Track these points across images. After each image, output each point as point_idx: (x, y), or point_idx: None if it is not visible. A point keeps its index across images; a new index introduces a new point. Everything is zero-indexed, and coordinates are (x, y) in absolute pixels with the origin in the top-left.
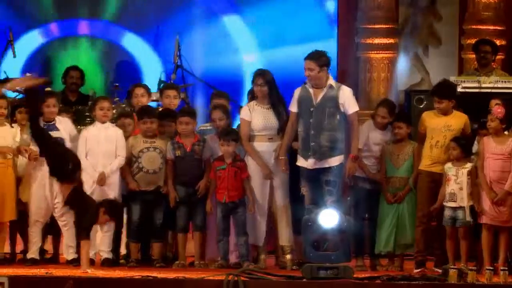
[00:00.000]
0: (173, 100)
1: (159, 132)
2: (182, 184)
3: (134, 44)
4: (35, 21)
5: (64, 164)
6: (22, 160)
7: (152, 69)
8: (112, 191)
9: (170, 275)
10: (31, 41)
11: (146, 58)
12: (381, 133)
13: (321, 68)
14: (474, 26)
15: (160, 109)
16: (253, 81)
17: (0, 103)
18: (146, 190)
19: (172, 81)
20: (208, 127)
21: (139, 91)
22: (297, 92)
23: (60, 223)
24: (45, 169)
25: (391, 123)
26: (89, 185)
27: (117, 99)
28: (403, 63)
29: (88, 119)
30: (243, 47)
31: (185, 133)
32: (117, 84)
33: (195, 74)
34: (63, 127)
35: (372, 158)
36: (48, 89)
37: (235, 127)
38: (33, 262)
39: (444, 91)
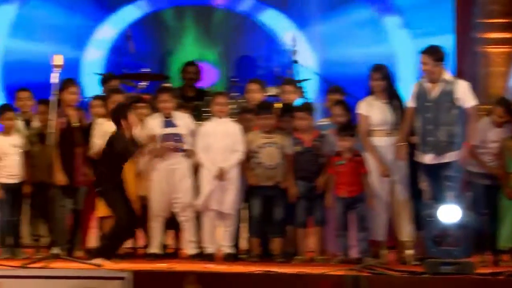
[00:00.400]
0: (291, 95)
1: (278, 127)
2: (301, 179)
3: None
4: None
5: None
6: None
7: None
8: (232, 186)
9: (290, 270)
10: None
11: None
12: (498, 130)
13: (436, 63)
14: None
15: (279, 105)
16: (370, 76)
17: (116, 97)
18: (265, 186)
19: (289, 76)
20: (326, 122)
21: (253, 86)
22: (413, 87)
23: (181, 218)
24: (164, 164)
25: (509, 121)
26: (208, 181)
27: (235, 94)
28: None
29: (206, 114)
30: (361, 40)
31: (301, 128)
32: (235, 79)
33: (312, 68)
34: (182, 122)
35: (488, 155)
36: (167, 84)
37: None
38: (155, 257)
39: None
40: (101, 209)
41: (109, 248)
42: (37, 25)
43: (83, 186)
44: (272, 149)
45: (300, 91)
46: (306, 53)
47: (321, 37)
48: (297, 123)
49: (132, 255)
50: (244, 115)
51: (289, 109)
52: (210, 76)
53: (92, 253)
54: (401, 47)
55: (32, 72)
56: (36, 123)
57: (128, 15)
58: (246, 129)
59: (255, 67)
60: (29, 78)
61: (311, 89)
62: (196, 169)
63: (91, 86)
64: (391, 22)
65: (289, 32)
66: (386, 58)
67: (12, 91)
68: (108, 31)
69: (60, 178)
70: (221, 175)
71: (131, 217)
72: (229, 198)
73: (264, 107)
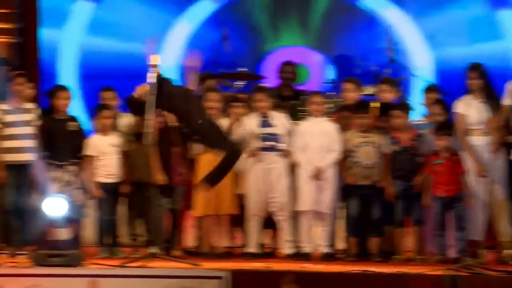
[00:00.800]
0: (387, 94)
1: (377, 127)
2: (398, 179)
3: None
4: None
5: None
6: None
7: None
8: (328, 186)
9: (388, 269)
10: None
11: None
12: None
13: None
14: None
15: (377, 104)
16: (467, 75)
17: (213, 96)
18: (362, 185)
19: (386, 75)
20: (423, 121)
21: (349, 85)
22: (509, 84)
23: (278, 218)
24: (261, 164)
25: None
26: (304, 180)
27: (331, 93)
28: None
29: (303, 114)
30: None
31: (398, 126)
32: (333, 78)
33: (410, 67)
34: (279, 122)
35: None
36: (265, 84)
37: None
38: (252, 256)
39: None
40: (198, 209)
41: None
42: (114, 21)
43: (180, 186)
44: (369, 148)
45: (398, 90)
46: (416, 50)
47: (431, 33)
48: (394, 122)
49: (229, 255)
50: (342, 112)
51: (387, 108)
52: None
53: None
54: None
55: (110, 70)
56: (121, 122)
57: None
58: (345, 127)
59: (352, 66)
60: (107, 76)
61: (411, 88)
62: (292, 168)
63: None
64: (506, 16)
65: (391, 28)
66: (501, 55)
67: (89, 90)
68: (184, 27)
69: (159, 177)
70: (317, 175)
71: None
72: (326, 198)
73: (361, 106)
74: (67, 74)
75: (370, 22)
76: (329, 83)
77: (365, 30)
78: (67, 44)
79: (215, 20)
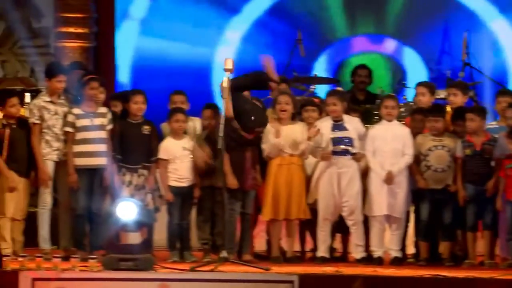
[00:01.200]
0: (459, 98)
1: (451, 131)
2: (471, 183)
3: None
4: None
5: None
6: (310, 159)
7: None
8: (400, 190)
9: (460, 274)
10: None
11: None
12: None
13: None
14: None
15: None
16: None
17: (285, 99)
18: (434, 189)
19: (460, 79)
20: (495, 125)
21: (422, 89)
22: None
23: (348, 222)
24: (333, 168)
25: None
26: (377, 184)
27: (405, 97)
28: None
29: (376, 118)
30: None
31: (472, 129)
32: (404, 82)
33: (483, 71)
34: (351, 126)
35: None
36: (339, 88)
37: None
38: (323, 261)
39: None
40: (268, 213)
41: None
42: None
43: (252, 190)
44: (442, 152)
45: (467, 94)
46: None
47: None
48: (468, 125)
49: (300, 259)
50: (415, 115)
51: (461, 112)
52: None
53: None
54: None
55: (165, 72)
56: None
57: None
58: (417, 130)
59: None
60: (161, 78)
61: (484, 92)
62: (364, 172)
63: None
64: None
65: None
66: None
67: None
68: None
69: (231, 181)
70: (390, 179)
71: None
72: (398, 202)
73: (434, 109)
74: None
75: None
76: (401, 86)
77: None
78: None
79: (282, 10)
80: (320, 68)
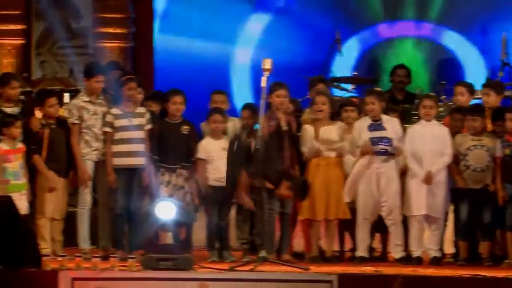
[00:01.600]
0: (490, 98)
1: (491, 131)
2: (510, 182)
3: (457, 43)
4: (364, 22)
5: None
6: (348, 159)
7: (475, 67)
8: (439, 190)
9: (499, 274)
10: (360, 41)
11: (469, 56)
12: None
13: None
14: None
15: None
16: None
17: (321, 99)
18: (473, 188)
19: (499, 79)
20: None
21: (460, 89)
22: None
23: (387, 222)
24: (372, 168)
25: None
26: (416, 184)
27: (443, 97)
28: None
29: (415, 118)
30: None
31: (510, 131)
32: (443, 82)
33: None
34: (390, 126)
35: None
36: (378, 89)
37: None
38: (362, 260)
39: None
40: (305, 212)
41: None
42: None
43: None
44: (481, 152)
45: (506, 94)
46: None
47: None
48: (507, 125)
49: (339, 259)
50: (454, 115)
51: (501, 112)
52: None
53: None
54: None
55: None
56: (231, 125)
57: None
58: (456, 130)
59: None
60: (181, 76)
61: None
62: (403, 172)
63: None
64: None
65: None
66: None
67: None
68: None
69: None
70: (429, 179)
71: None
72: (437, 202)
73: (473, 109)
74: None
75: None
76: (441, 86)
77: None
78: None
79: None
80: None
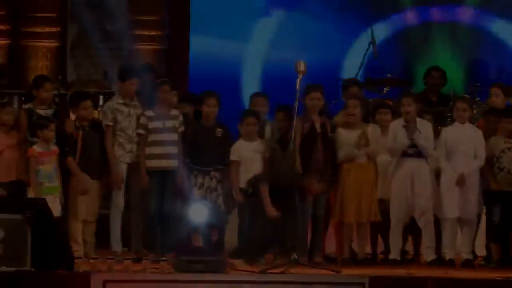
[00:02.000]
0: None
1: None
2: None
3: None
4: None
5: None
6: (380, 159)
7: None
8: (472, 192)
9: None
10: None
11: None
12: None
13: None
14: None
15: None
16: None
17: (353, 103)
18: (507, 191)
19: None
20: None
21: (496, 90)
22: None
23: (420, 223)
24: (405, 169)
25: None
26: (449, 186)
27: (477, 99)
28: None
29: (449, 120)
30: None
31: None
32: (477, 84)
33: None
34: (424, 128)
35: None
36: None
37: None
38: (394, 263)
39: None
40: (337, 215)
41: None
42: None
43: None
44: None
45: None
46: None
47: None
48: None
49: (371, 261)
50: (489, 117)
51: None
52: None
53: None
54: None
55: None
56: (268, 128)
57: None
58: (491, 132)
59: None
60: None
61: None
62: (437, 174)
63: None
64: None
65: None
66: None
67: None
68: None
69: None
70: (462, 181)
71: None
72: (470, 204)
73: (507, 111)
74: None
75: None
76: (475, 88)
77: None
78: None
79: None
80: None
